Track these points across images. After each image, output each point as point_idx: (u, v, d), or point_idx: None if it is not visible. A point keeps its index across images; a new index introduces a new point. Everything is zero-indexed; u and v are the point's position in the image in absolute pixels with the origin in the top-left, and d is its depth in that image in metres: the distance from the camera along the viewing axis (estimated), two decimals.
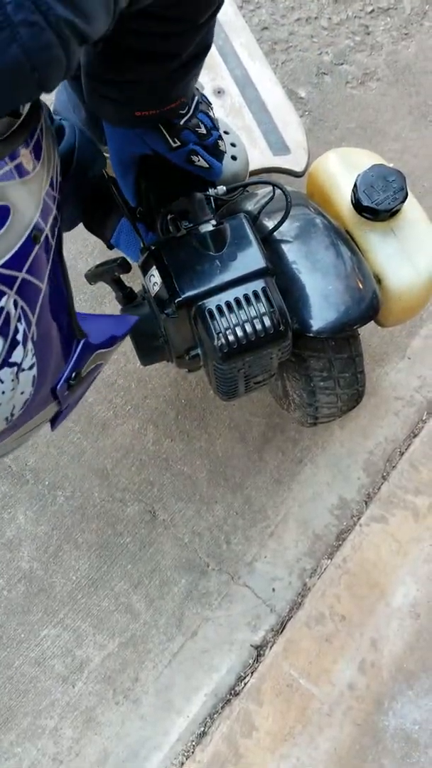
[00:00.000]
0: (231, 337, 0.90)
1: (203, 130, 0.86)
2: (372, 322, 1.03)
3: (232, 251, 0.92)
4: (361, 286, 0.99)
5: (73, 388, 0.79)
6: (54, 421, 0.84)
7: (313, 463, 1.38)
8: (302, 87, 1.74)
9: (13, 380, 0.63)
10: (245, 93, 1.39)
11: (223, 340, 0.90)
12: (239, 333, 0.90)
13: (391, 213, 1.02)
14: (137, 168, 0.93)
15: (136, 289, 1.07)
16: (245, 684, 1.21)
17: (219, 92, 1.39)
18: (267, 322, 0.90)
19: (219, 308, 0.90)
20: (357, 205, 1.02)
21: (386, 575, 1.27)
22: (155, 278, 0.94)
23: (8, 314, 0.60)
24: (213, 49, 1.37)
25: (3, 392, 0.63)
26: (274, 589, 1.28)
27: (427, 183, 1.63)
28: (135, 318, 0.96)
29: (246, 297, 0.90)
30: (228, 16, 1.44)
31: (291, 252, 0.99)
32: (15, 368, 0.63)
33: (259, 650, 1.24)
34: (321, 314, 0.97)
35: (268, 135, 1.35)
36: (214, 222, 0.93)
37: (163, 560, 1.31)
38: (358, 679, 1.20)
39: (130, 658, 1.25)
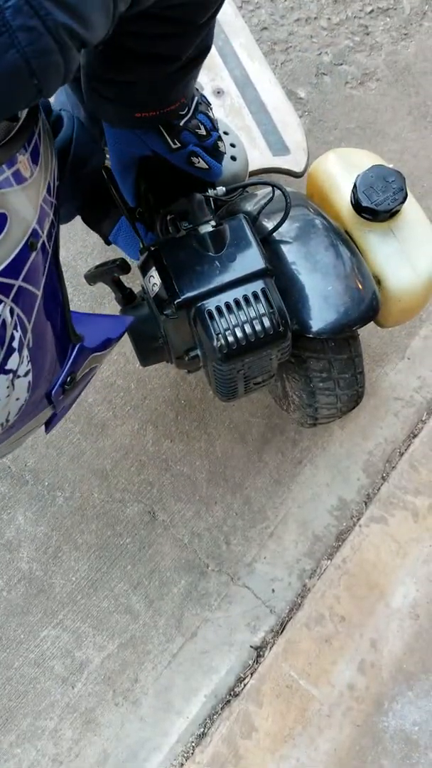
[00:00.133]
0: (230, 338, 0.90)
1: (203, 131, 0.86)
2: (371, 322, 1.03)
3: (231, 252, 0.92)
4: (360, 286, 0.99)
5: (68, 392, 0.79)
6: (48, 425, 0.84)
7: (313, 464, 1.38)
8: (302, 87, 1.74)
9: (8, 387, 0.63)
10: (245, 93, 1.39)
11: (222, 341, 0.90)
12: (239, 334, 0.90)
13: (391, 214, 1.02)
14: (137, 169, 0.93)
15: (136, 290, 1.07)
16: (245, 685, 1.21)
17: (218, 93, 1.38)
18: (266, 323, 0.90)
19: (218, 309, 0.90)
20: (356, 205, 1.02)
21: (386, 576, 1.27)
22: (155, 279, 0.94)
23: (4, 322, 0.59)
24: (212, 50, 1.36)
25: None
26: (273, 590, 1.28)
27: (426, 183, 1.63)
28: (131, 318, 0.96)
29: (245, 298, 0.90)
30: (227, 17, 1.44)
31: (290, 253, 0.99)
32: (11, 375, 0.63)
33: (259, 651, 1.24)
34: (320, 315, 0.97)
35: (268, 135, 1.35)
36: (213, 223, 0.93)
37: (162, 561, 1.30)
38: (357, 680, 1.20)
39: (130, 659, 1.25)
